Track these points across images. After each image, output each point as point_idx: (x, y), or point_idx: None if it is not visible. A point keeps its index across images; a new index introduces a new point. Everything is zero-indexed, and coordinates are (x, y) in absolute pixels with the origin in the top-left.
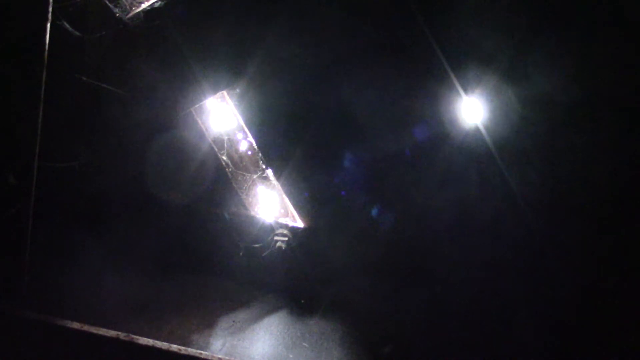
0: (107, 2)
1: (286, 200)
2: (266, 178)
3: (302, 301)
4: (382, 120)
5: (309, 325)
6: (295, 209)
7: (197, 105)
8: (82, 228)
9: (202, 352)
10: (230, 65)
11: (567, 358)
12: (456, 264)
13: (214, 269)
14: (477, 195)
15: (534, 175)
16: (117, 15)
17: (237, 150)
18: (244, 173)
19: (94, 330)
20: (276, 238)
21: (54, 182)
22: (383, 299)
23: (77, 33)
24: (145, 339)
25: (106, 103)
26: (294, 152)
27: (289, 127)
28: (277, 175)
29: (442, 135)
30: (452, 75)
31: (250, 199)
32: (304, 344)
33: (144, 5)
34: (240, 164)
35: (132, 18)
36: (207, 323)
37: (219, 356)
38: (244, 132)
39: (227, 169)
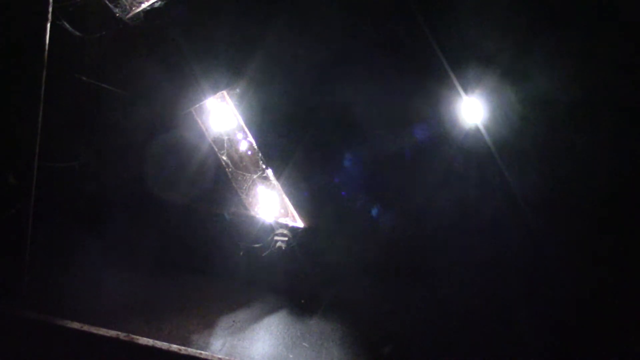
0: (107, 2)
1: (286, 200)
2: (266, 178)
3: (302, 301)
4: (382, 120)
5: (309, 325)
6: (295, 209)
7: (197, 105)
8: (82, 228)
9: (202, 352)
10: (230, 65)
11: (567, 358)
12: (456, 264)
13: (214, 269)
14: (477, 195)
15: (534, 175)
16: (117, 15)
17: (237, 150)
18: (244, 173)
19: (94, 330)
20: (276, 238)
21: (54, 182)
22: (383, 299)
23: (77, 33)
24: (145, 339)
25: (106, 103)
26: (294, 152)
27: (289, 127)
28: (277, 175)
29: (442, 135)
30: (452, 75)
31: (250, 199)
32: (304, 344)
33: (144, 5)
34: (240, 164)
35: (132, 18)
36: (207, 323)
37: (219, 356)
38: (244, 132)
39: (227, 169)
